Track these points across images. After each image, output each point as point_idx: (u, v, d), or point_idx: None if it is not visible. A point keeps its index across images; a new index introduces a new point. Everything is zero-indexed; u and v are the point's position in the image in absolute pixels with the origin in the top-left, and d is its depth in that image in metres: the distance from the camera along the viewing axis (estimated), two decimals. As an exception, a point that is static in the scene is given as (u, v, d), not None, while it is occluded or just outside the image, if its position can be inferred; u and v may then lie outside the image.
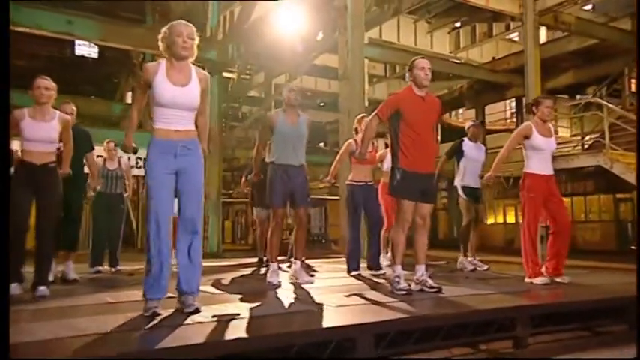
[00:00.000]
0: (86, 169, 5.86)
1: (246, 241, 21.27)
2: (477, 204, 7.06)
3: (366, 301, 4.18)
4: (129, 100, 20.69)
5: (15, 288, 4.47)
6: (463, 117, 19.57)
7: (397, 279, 4.54)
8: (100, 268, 6.90)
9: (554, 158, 9.01)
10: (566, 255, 5.55)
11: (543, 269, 5.48)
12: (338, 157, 6.58)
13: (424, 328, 3.40)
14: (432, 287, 4.54)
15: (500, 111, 22.57)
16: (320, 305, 3.93)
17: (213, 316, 3.41)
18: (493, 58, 17.53)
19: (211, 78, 12.31)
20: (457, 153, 7.05)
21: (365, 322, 3.28)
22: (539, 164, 5.49)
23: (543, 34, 15.97)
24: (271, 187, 5.38)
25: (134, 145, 3.90)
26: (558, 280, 5.36)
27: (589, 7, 15.91)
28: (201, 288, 4.97)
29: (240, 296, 4.49)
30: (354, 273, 6.28)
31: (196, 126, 3.76)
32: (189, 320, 3.31)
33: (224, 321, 3.28)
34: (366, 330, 3.18)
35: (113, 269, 7.05)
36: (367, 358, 3.11)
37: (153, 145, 3.57)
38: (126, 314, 3.51)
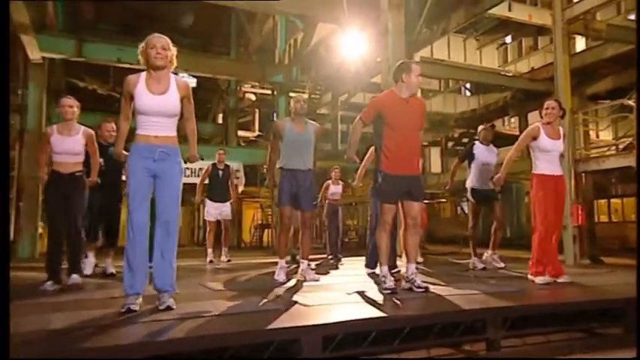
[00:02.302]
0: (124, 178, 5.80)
1: (321, 239, 21.16)
2: (491, 204, 6.32)
3: (347, 301, 3.71)
4: (220, 120, 21.16)
5: (49, 285, 4.42)
6: (510, 125, 18.31)
7: (383, 279, 4.06)
8: (150, 263, 6.85)
9: (586, 160, 8.00)
10: (557, 254, 4.87)
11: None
12: (364, 162, 6.11)
13: (380, 331, 2.92)
14: (420, 287, 4.02)
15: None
16: (294, 304, 3.51)
17: (184, 313, 3.11)
18: (532, 68, 16.26)
19: (280, 98, 12.21)
20: (469, 156, 6.39)
21: (310, 324, 2.84)
22: (547, 165, 4.85)
23: (582, 43, 14.61)
24: (280, 189, 5.09)
25: (125, 152, 3.71)
26: (560, 280, 4.65)
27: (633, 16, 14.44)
28: (210, 285, 4.76)
29: (234, 294, 4.18)
30: (369, 271, 5.81)
31: (179, 131, 3.52)
32: (151, 318, 3.03)
33: (186, 319, 2.97)
34: (311, 332, 2.75)
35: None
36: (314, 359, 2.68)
37: (134, 149, 3.40)
38: (108, 309, 3.31)
